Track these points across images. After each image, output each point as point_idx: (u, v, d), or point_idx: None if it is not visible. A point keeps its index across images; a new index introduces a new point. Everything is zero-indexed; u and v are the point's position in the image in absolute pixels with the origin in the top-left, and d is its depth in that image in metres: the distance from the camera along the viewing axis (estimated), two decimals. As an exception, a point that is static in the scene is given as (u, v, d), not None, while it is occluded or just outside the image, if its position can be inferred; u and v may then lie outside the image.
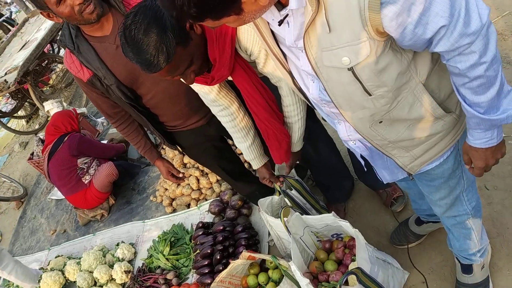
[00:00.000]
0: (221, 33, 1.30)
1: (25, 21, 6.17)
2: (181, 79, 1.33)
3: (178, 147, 2.12)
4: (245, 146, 1.76)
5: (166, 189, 3.27)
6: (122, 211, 3.50)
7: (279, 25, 1.05)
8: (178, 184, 3.16)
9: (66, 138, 3.43)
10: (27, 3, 9.09)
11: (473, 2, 0.91)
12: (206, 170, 3.07)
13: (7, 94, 5.74)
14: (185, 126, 1.96)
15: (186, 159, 3.20)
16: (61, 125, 3.54)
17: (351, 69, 1.01)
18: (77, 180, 3.40)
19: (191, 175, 3.09)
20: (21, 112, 5.83)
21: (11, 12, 9.71)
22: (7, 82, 4.33)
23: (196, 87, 1.60)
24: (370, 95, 1.07)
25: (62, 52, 5.62)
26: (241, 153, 2.54)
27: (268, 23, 1.12)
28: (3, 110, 5.75)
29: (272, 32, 1.15)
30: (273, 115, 1.57)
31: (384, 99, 1.09)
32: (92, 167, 3.47)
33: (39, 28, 5.46)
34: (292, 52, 1.16)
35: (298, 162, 1.93)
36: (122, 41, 1.18)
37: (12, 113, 5.66)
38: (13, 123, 5.72)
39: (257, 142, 1.79)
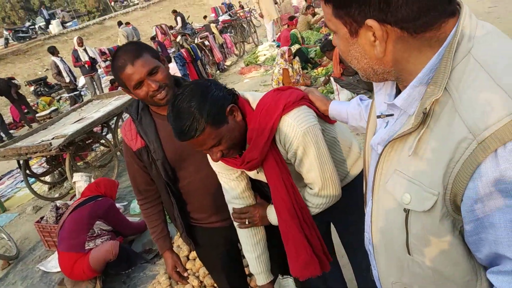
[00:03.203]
0: (266, 114, 1.34)
1: (89, 101, 6.76)
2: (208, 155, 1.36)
3: (192, 244, 2.03)
4: (254, 256, 1.71)
5: (158, 292, 3.05)
6: (104, 302, 3.23)
7: (378, 117, 0.92)
8: (172, 290, 2.95)
9: (100, 199, 3.56)
10: (97, 91, 10.18)
11: None
12: (205, 282, 2.88)
13: (44, 158, 6.00)
14: (208, 223, 1.93)
15: (189, 265, 3.03)
16: (103, 187, 3.76)
17: (406, 211, 0.82)
18: (81, 241, 3.30)
19: (188, 283, 2.90)
20: (47, 178, 5.97)
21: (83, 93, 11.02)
22: (51, 145, 4.54)
23: (223, 179, 1.64)
24: (409, 254, 0.87)
25: (110, 136, 5.97)
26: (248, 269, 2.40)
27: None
28: (34, 171, 5.91)
29: None
30: (295, 221, 1.48)
31: (418, 270, 0.88)
32: (101, 239, 3.39)
33: (98, 110, 5.93)
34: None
35: None
36: (169, 108, 1.30)
37: (40, 176, 5.81)
38: (36, 186, 5.80)
39: (265, 256, 1.73)
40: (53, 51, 10.22)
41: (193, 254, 3.11)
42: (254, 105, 1.42)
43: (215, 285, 2.82)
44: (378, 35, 0.74)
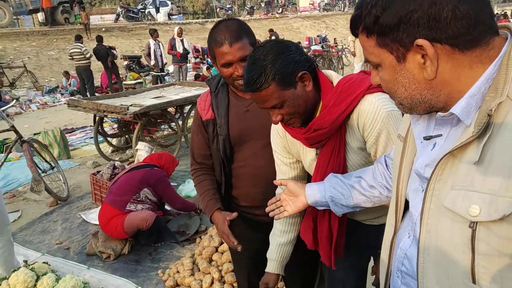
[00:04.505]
0: (349, 87, 1.30)
1: (172, 84, 7.13)
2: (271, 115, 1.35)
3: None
4: (277, 242, 1.69)
5: (178, 272, 3.06)
6: (127, 265, 3.30)
7: (425, 139, 0.87)
8: (192, 274, 2.96)
9: (156, 168, 3.71)
10: (181, 77, 10.75)
11: None
12: (226, 278, 2.84)
13: (116, 123, 6.39)
14: (249, 213, 1.91)
15: (216, 257, 3.03)
16: (164, 160, 3.89)
17: (473, 226, 0.73)
18: (125, 200, 3.44)
19: (209, 273, 2.89)
20: (114, 141, 6.33)
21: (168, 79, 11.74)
22: (128, 109, 4.83)
23: (277, 160, 1.64)
24: (473, 282, 0.75)
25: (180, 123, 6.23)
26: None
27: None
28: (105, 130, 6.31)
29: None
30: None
31: None
32: (143, 205, 3.50)
33: (178, 93, 6.22)
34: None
35: None
36: (248, 58, 1.32)
37: (109, 136, 6.19)
38: (101, 146, 6.16)
39: (288, 249, 1.70)
40: (152, 33, 10.92)
41: (222, 248, 3.10)
42: (335, 82, 1.37)
43: (234, 284, 2.79)
44: (430, 54, 0.73)
